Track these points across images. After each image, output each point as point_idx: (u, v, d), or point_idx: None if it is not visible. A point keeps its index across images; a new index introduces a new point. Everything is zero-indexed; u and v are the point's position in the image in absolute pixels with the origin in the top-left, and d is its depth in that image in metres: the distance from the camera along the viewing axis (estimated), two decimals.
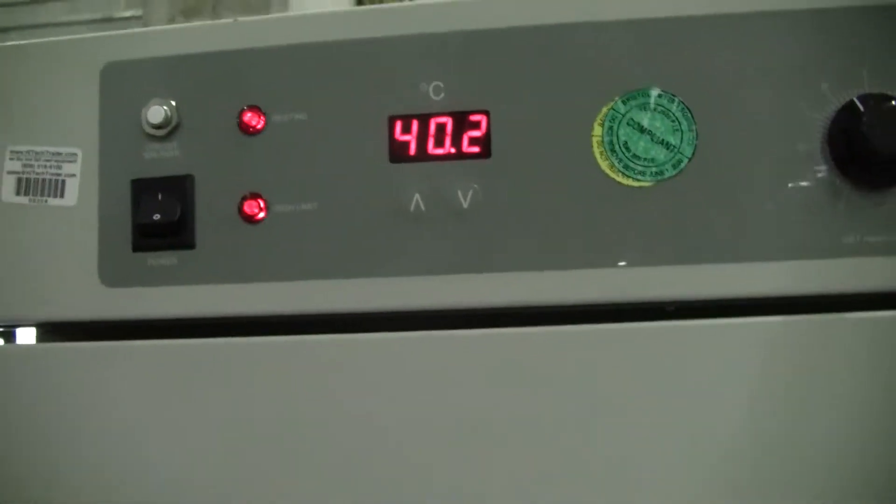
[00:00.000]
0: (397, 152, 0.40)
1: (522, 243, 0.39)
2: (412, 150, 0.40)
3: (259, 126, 0.40)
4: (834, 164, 0.38)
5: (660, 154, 0.39)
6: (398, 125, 0.40)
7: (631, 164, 0.39)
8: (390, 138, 0.40)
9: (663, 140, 0.39)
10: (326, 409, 0.39)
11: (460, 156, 0.39)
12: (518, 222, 0.39)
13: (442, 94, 0.40)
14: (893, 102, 0.38)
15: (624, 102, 0.39)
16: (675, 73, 0.39)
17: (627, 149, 0.39)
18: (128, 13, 1.54)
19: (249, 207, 0.40)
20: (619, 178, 0.39)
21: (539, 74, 0.40)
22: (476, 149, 0.39)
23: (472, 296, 0.39)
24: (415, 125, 0.40)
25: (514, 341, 0.38)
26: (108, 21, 1.58)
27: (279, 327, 0.40)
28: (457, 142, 0.39)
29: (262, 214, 0.40)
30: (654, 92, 0.39)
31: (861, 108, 0.38)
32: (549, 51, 0.40)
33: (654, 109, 0.39)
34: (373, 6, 0.41)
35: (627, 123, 0.39)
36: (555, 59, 0.40)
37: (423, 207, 0.39)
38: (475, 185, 0.39)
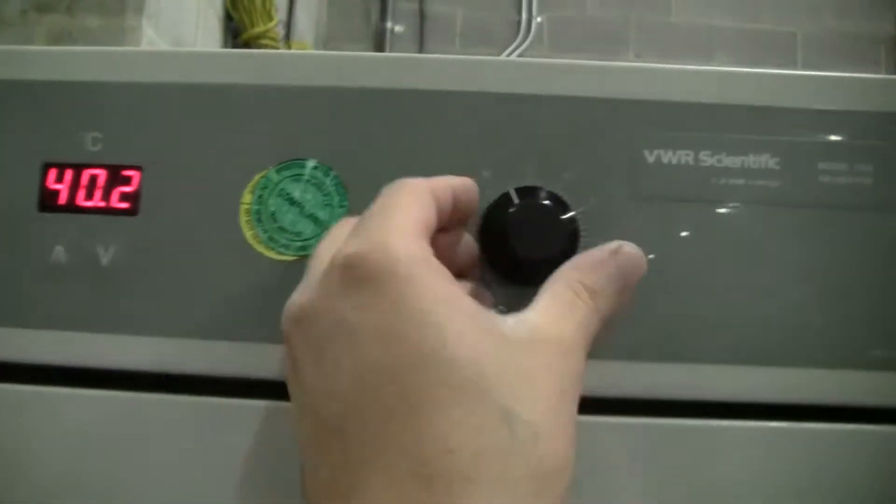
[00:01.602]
0: (47, 201, 0.38)
1: (154, 306, 0.38)
2: (62, 199, 0.38)
3: None
4: (484, 256, 0.37)
5: (307, 228, 0.37)
6: (52, 173, 0.39)
7: (275, 237, 0.37)
8: (42, 186, 0.39)
9: (312, 214, 0.38)
10: None
11: (108, 210, 0.38)
12: (154, 284, 0.38)
13: (99, 146, 0.39)
14: (545, 202, 0.36)
15: (278, 172, 0.38)
16: (334, 145, 0.38)
17: (275, 220, 0.38)
18: None
19: None
20: (262, 250, 0.37)
21: (198, 136, 0.38)
22: (125, 205, 0.38)
23: (96, 356, 0.38)
24: (68, 174, 0.38)
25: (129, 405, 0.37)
26: None
27: None
28: (107, 195, 0.38)
29: None
30: (311, 163, 0.38)
31: (515, 200, 0.36)
32: (209, 112, 0.38)
33: (308, 181, 0.38)
34: (44, 48, 0.40)
35: (279, 194, 0.38)
36: (214, 122, 0.38)
37: (63, 260, 0.38)
38: (118, 242, 0.38)
